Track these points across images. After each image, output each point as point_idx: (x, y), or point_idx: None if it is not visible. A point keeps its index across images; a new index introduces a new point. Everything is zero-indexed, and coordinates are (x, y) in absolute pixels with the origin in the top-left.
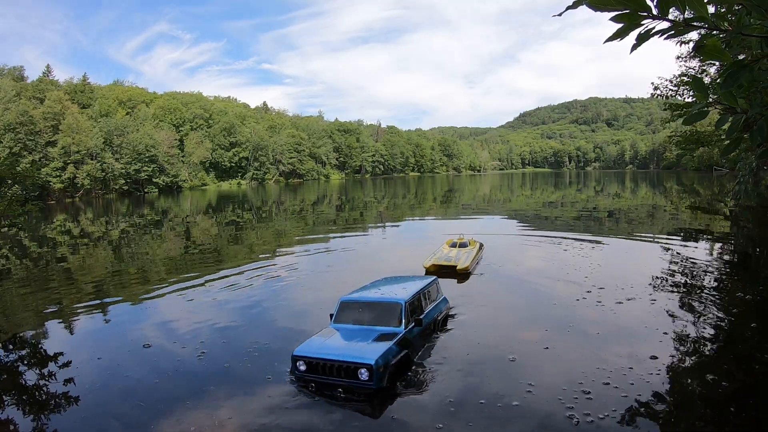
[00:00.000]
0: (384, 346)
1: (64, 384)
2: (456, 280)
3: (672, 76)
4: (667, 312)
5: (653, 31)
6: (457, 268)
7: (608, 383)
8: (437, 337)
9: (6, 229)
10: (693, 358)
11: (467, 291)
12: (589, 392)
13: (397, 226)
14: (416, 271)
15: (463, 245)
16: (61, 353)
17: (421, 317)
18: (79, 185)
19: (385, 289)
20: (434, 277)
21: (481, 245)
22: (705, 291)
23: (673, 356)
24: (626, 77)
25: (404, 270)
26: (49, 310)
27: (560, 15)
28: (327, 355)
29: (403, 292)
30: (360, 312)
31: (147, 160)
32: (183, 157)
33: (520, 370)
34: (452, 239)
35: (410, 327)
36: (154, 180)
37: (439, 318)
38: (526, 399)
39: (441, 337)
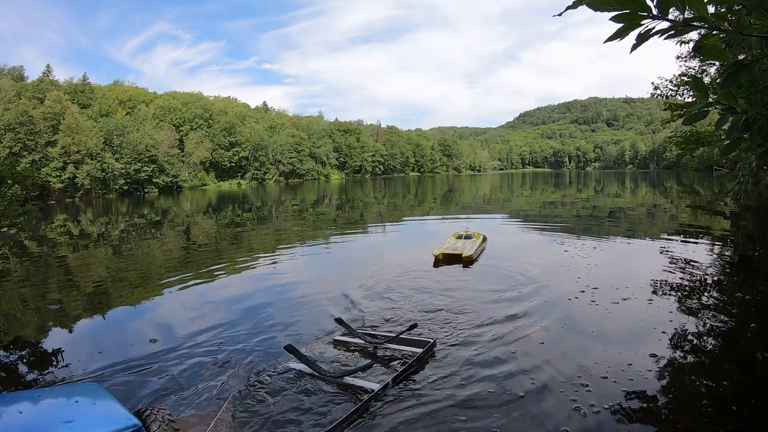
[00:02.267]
0: None
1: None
2: (460, 270)
3: (672, 76)
4: (665, 312)
5: (653, 31)
6: (463, 255)
7: (606, 377)
8: None
9: (6, 229)
10: (692, 357)
11: (461, 286)
12: (587, 385)
13: (398, 225)
14: (418, 267)
15: (468, 237)
16: (61, 349)
17: None
18: (79, 185)
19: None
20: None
21: (485, 237)
22: (704, 291)
23: (672, 355)
24: (626, 77)
25: (404, 266)
26: (49, 309)
27: (560, 15)
28: None
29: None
30: None
31: (147, 160)
32: (183, 157)
33: (520, 363)
34: (459, 232)
35: None
36: (154, 180)
37: None
38: (530, 391)
39: (439, 334)
